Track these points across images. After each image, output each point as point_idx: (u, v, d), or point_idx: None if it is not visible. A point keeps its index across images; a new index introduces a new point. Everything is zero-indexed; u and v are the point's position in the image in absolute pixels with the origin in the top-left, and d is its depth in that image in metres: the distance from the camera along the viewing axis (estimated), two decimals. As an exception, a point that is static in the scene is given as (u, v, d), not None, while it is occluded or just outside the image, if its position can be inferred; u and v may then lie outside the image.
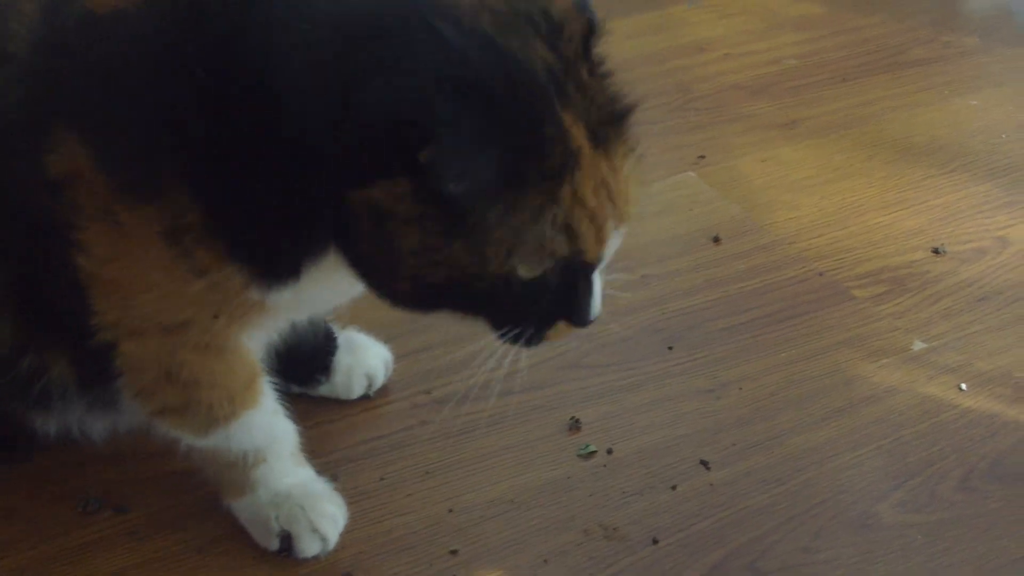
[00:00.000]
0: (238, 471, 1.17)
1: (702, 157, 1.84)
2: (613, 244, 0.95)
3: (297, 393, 1.31)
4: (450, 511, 1.25)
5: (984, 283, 1.60)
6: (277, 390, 1.16)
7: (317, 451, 1.25)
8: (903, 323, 1.52)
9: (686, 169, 1.81)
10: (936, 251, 1.65)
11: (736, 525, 1.25)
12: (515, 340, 0.98)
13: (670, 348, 1.47)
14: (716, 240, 1.65)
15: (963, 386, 1.43)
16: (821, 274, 1.60)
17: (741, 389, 1.42)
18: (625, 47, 2.14)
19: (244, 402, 1.12)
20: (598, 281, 0.98)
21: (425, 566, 1.19)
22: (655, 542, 1.23)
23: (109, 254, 0.99)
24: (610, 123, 0.93)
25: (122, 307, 1.02)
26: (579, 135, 0.90)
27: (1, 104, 1.00)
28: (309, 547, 1.18)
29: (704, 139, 1.89)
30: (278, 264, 0.98)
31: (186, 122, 0.93)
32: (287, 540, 1.18)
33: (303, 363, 1.30)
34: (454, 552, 1.21)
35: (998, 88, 2.04)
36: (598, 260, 0.95)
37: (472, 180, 0.86)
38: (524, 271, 0.91)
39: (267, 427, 1.15)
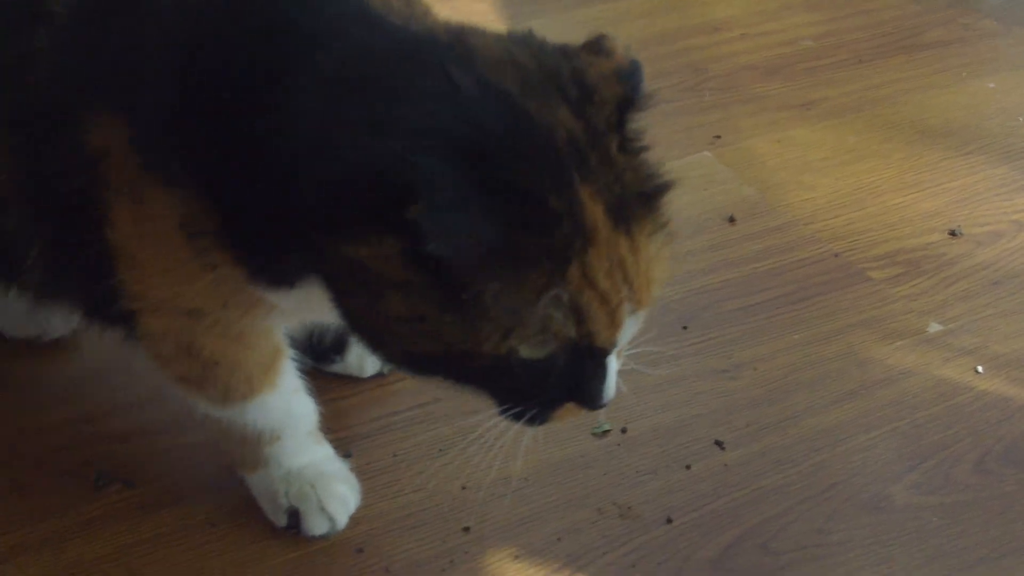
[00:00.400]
0: (251, 446, 1.16)
1: (718, 137, 1.82)
2: (630, 328, 0.88)
3: (311, 367, 1.30)
4: (463, 488, 1.24)
5: (1000, 266, 1.59)
6: (298, 367, 1.15)
7: (331, 428, 1.24)
8: (918, 305, 1.51)
9: (702, 149, 1.80)
10: (952, 233, 1.63)
11: (750, 505, 1.24)
12: (517, 419, 0.92)
13: (685, 328, 1.46)
14: (731, 220, 1.64)
15: (979, 369, 1.42)
16: (836, 255, 1.59)
17: (756, 370, 1.41)
18: (639, 26, 2.13)
19: (262, 384, 1.10)
20: (613, 363, 0.91)
21: (438, 543, 1.19)
22: (669, 521, 1.22)
23: (132, 231, 0.97)
24: (638, 202, 0.86)
25: (144, 283, 1.01)
26: (596, 211, 0.83)
27: (40, 73, 0.98)
28: (316, 526, 1.18)
29: (719, 119, 1.88)
30: (275, 273, 0.95)
31: (203, 118, 0.90)
32: (295, 517, 1.18)
33: (318, 340, 1.29)
34: (467, 529, 1.20)
35: (1015, 71, 2.03)
36: (611, 345, 0.88)
37: (461, 245, 0.79)
38: (526, 352, 0.84)
39: (285, 408, 1.14)
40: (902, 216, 1.67)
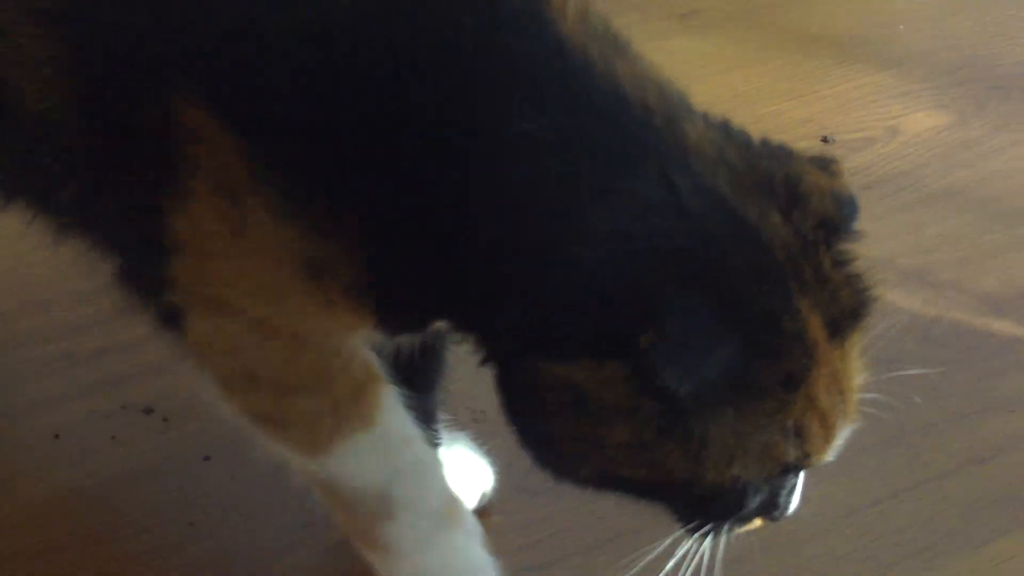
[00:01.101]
0: (361, 520, 0.91)
1: (593, 48, 1.80)
2: (840, 443, 0.84)
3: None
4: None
5: (872, 171, 1.59)
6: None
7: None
8: (787, 210, 1.51)
9: (578, 59, 1.77)
10: (824, 140, 1.64)
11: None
12: (706, 535, 0.85)
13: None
14: (601, 130, 1.62)
15: (843, 271, 1.42)
16: (706, 162, 1.58)
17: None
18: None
19: (354, 417, 0.88)
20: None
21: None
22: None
23: (215, 229, 0.83)
24: (851, 316, 0.81)
25: (205, 277, 0.86)
26: (815, 327, 0.78)
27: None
28: None
29: (598, 30, 1.85)
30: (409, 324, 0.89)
31: (367, 161, 0.80)
32: None
33: None
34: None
35: (896, -21, 2.03)
36: (823, 461, 0.83)
37: (698, 380, 0.74)
38: (742, 476, 0.80)
39: (387, 459, 0.90)
40: (774, 123, 1.66)
